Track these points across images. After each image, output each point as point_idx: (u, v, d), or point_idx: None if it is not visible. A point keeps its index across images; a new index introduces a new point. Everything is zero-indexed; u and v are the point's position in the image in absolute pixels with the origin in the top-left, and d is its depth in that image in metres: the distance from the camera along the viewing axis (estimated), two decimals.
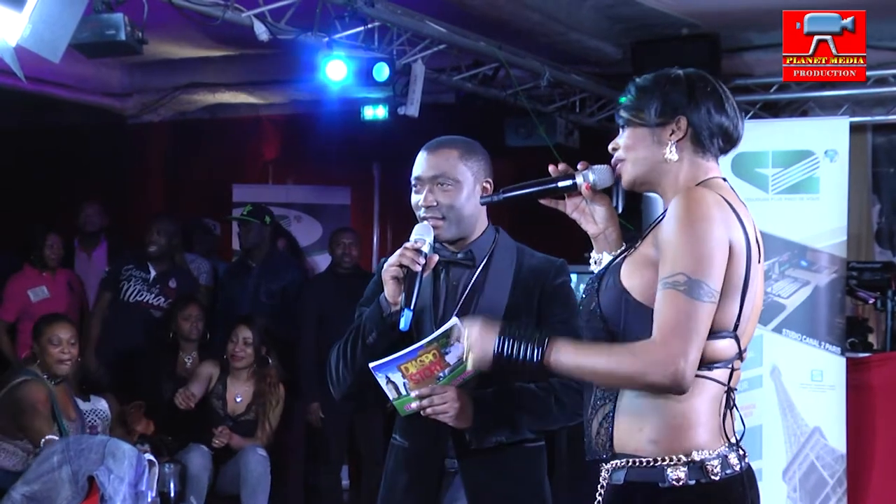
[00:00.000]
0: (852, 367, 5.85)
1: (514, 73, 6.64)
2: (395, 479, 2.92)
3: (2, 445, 5.16)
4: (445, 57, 6.38)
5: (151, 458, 5.18)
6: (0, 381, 5.30)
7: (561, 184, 2.50)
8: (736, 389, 2.31)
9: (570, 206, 2.54)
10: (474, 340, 2.37)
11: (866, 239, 7.35)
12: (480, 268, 2.87)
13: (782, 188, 5.84)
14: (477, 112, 7.29)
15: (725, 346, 2.24)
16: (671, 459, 2.20)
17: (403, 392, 2.73)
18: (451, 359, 2.66)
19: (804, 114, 7.07)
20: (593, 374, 2.26)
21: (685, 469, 2.20)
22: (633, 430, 2.26)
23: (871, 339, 6.52)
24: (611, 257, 2.47)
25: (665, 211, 2.31)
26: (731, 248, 2.20)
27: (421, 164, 2.87)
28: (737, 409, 2.30)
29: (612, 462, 2.29)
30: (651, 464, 2.23)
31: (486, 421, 2.76)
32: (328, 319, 6.54)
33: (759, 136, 5.97)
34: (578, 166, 2.50)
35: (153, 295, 6.61)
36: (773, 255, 5.80)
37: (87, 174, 8.94)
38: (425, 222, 2.81)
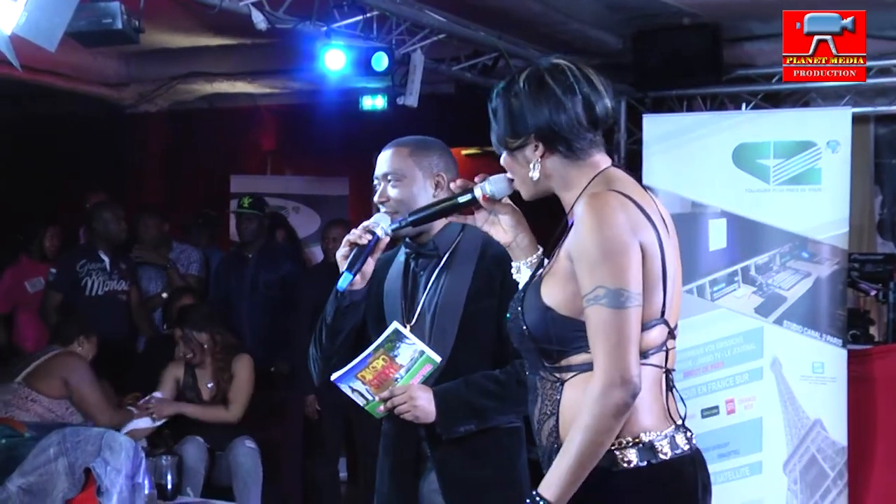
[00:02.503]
0: (853, 360, 5.81)
1: (513, 64, 6.60)
2: (383, 463, 3.11)
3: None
4: (445, 47, 6.34)
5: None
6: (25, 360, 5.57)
7: (461, 199, 2.54)
8: (674, 370, 2.32)
9: (480, 220, 2.56)
10: None
11: (868, 230, 7.33)
12: (445, 258, 3.03)
13: (784, 179, 5.80)
14: (476, 102, 7.24)
15: (657, 334, 2.25)
16: (620, 444, 2.20)
17: (370, 398, 2.94)
18: (401, 360, 2.87)
19: (806, 104, 7.03)
20: (586, 458, 2.16)
21: (635, 451, 2.21)
22: None
23: (873, 331, 6.49)
24: (528, 270, 2.49)
25: (566, 217, 2.31)
26: (643, 249, 2.19)
27: (377, 163, 3.09)
28: (676, 390, 2.31)
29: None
30: None
31: (451, 413, 2.90)
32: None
33: (760, 126, 5.93)
34: (476, 179, 2.52)
35: (115, 281, 6.56)
36: (774, 247, 5.78)
37: (83, 164, 8.90)
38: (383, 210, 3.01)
